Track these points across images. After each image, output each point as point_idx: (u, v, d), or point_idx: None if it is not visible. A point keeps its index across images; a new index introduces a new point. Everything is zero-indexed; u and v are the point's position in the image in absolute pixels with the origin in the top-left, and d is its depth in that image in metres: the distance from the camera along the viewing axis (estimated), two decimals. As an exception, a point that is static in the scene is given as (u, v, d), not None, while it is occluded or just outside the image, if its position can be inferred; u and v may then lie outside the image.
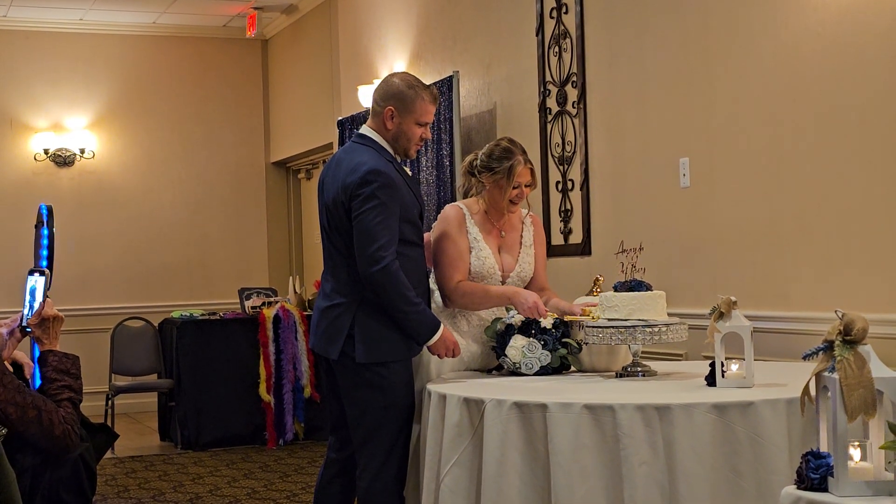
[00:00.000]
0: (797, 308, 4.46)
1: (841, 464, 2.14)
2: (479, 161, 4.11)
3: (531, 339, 3.87)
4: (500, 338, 3.94)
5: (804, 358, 2.28)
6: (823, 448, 2.24)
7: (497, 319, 4.01)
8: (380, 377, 3.78)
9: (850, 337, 2.17)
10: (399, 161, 3.95)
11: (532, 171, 4.10)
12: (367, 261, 3.72)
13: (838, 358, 2.16)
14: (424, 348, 3.84)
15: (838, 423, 2.14)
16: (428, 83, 4.26)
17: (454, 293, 4.01)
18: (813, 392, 2.29)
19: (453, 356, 3.86)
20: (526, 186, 4.07)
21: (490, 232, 4.11)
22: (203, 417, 8.08)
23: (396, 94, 3.90)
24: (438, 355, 3.84)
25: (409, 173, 4.00)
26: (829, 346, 2.21)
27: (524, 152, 4.09)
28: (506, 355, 3.89)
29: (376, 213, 3.73)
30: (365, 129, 3.96)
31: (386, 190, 3.75)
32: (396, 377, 3.80)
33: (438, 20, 7.53)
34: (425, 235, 4.08)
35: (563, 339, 3.91)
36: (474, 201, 4.14)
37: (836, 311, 2.22)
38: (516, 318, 3.92)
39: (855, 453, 2.16)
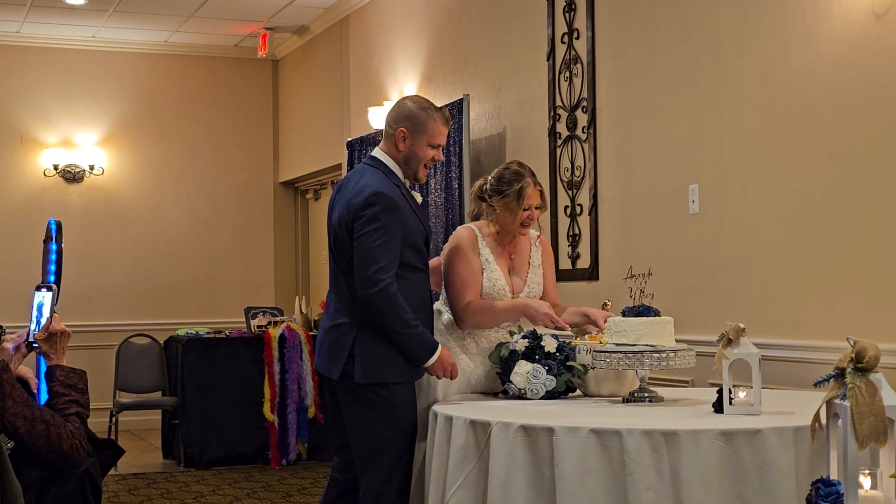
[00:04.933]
0: (806, 336, 4.46)
1: (851, 492, 2.13)
2: (488, 185, 4.12)
3: (535, 364, 3.86)
4: (504, 364, 3.94)
5: (815, 385, 2.28)
6: (833, 476, 2.23)
7: (501, 345, 4.00)
8: (380, 398, 3.77)
9: (861, 364, 2.16)
10: (408, 186, 3.95)
11: (542, 192, 4.11)
12: (365, 282, 3.72)
13: (850, 385, 2.15)
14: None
15: (849, 450, 2.13)
16: (438, 105, 4.27)
17: (465, 312, 4.01)
18: (823, 419, 2.28)
19: (451, 377, 3.86)
20: (536, 208, 4.08)
21: (500, 254, 4.11)
22: (206, 436, 8.06)
23: (409, 116, 3.91)
24: (437, 376, 3.84)
25: (419, 200, 4.00)
26: (840, 374, 2.20)
27: (533, 175, 4.10)
28: (511, 381, 3.88)
29: (377, 236, 3.73)
30: (376, 152, 3.97)
31: (389, 213, 3.76)
32: (398, 398, 3.79)
33: (449, 43, 7.55)
34: (433, 260, 4.09)
35: (568, 363, 3.91)
36: (485, 224, 4.14)
37: (847, 339, 2.21)
38: (520, 344, 3.92)
39: (865, 481, 2.15)
